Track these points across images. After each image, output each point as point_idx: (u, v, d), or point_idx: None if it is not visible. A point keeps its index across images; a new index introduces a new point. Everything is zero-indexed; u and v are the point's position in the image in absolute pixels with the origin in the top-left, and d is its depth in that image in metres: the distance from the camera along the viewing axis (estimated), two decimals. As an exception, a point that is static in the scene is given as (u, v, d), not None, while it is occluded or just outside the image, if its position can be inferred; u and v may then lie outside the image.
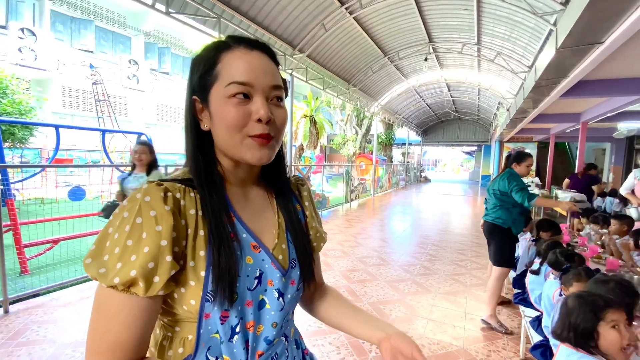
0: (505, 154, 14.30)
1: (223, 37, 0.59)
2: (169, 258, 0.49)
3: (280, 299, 0.60)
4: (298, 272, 0.65)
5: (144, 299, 0.49)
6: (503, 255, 2.77)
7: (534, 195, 2.64)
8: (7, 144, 7.34)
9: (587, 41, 3.08)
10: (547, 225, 2.95)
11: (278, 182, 0.69)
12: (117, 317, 0.48)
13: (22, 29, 13.69)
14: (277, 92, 0.57)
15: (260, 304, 0.59)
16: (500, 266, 2.77)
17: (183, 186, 0.55)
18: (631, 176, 4.06)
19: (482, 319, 2.75)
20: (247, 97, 0.54)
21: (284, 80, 0.63)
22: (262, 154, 0.56)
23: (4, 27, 13.73)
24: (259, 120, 0.54)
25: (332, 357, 2.23)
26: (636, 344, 1.01)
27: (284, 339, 0.65)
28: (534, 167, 13.78)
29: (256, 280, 0.58)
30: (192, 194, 0.55)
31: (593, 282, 1.20)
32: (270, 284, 0.60)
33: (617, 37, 2.84)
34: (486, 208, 2.97)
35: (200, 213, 0.55)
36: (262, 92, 0.55)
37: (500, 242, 2.79)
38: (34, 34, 14.05)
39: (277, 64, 0.61)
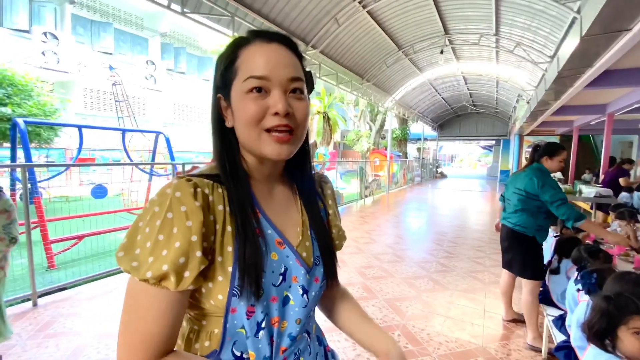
0: (527, 146, 13.86)
1: (237, 35, 0.59)
2: (198, 253, 0.50)
3: (305, 295, 0.61)
4: (322, 270, 0.65)
5: (174, 293, 0.50)
6: (530, 266, 2.38)
7: (582, 216, 2.12)
8: (33, 145, 7.66)
9: (613, 28, 2.93)
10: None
11: (302, 179, 0.69)
12: (149, 310, 0.49)
13: (44, 33, 14.20)
14: (297, 84, 0.56)
15: (285, 300, 0.59)
16: (531, 279, 2.37)
17: (211, 182, 0.56)
18: None
19: (527, 344, 2.37)
20: (264, 91, 0.54)
21: (309, 73, 0.62)
22: (282, 149, 0.55)
23: (27, 32, 14.29)
24: (276, 114, 0.54)
25: (348, 353, 2.23)
26: None
27: (306, 335, 0.66)
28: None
29: (281, 277, 0.58)
30: (220, 190, 0.56)
31: (612, 280, 1.15)
32: (294, 281, 0.60)
33: (646, 23, 2.69)
34: (504, 209, 2.58)
35: (228, 209, 0.55)
36: (280, 85, 0.54)
37: (524, 253, 2.40)
38: (56, 38, 14.56)
39: (299, 55, 0.60)
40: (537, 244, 2.40)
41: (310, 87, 0.63)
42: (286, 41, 0.58)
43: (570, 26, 5.21)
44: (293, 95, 0.56)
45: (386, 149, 14.07)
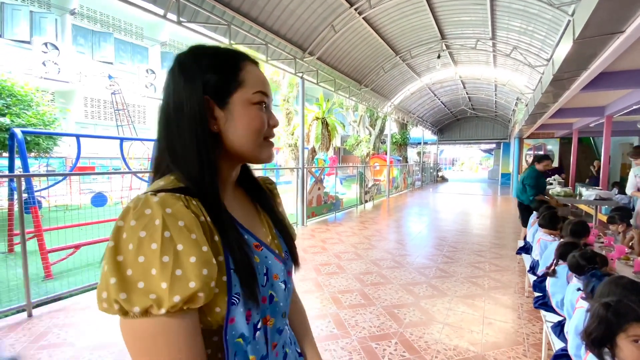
0: (527, 149, 13.85)
1: (234, 44, 0.63)
2: (214, 260, 0.49)
3: (286, 289, 0.65)
4: (291, 263, 0.71)
5: (194, 313, 0.48)
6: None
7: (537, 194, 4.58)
8: (32, 154, 7.67)
9: (606, 31, 2.93)
10: (582, 229, 2.63)
11: (252, 183, 0.73)
12: (179, 340, 0.46)
13: (45, 44, 14.34)
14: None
15: (271, 299, 0.61)
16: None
17: (182, 196, 0.51)
18: (631, 174, 4.03)
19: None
20: (265, 105, 0.62)
21: None
22: (272, 153, 0.65)
23: (28, 42, 14.42)
24: (273, 126, 0.63)
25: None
26: None
27: (286, 326, 0.69)
28: (556, 163, 13.25)
29: (265, 277, 0.60)
30: (195, 202, 0.52)
31: (607, 284, 1.12)
32: (275, 278, 0.62)
33: (638, 25, 2.68)
34: (521, 196, 4.70)
35: (209, 219, 0.53)
36: (271, 103, 0.65)
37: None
38: (57, 48, 14.69)
39: None
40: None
41: None
42: None
43: (565, 29, 5.22)
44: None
45: (386, 154, 14.06)
